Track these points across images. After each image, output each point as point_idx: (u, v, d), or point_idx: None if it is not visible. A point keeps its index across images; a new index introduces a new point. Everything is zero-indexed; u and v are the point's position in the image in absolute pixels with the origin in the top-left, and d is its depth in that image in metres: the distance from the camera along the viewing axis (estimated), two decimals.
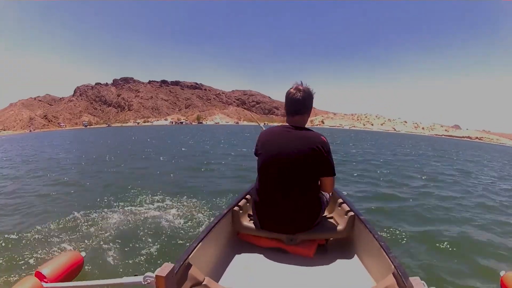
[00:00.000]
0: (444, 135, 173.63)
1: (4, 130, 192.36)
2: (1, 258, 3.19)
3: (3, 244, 3.59)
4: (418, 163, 13.77)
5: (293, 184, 1.90)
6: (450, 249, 3.61)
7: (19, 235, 3.86)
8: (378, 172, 10.22)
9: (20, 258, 3.16)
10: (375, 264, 1.73)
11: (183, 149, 17.67)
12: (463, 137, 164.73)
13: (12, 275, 2.73)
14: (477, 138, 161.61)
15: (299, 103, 1.93)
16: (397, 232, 4.12)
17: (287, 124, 2.00)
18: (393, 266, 1.45)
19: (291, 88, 1.96)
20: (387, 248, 1.61)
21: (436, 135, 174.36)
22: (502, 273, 2.27)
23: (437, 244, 3.73)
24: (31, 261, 3.07)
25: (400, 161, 14.27)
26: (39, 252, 3.30)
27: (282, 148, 1.89)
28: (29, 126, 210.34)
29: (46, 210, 5.10)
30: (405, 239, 3.89)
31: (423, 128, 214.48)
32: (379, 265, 1.66)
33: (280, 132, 1.96)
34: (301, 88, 1.94)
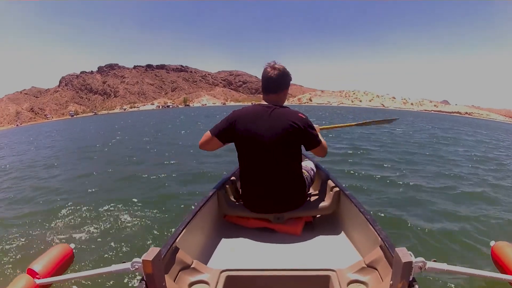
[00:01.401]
0: (434, 111, 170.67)
1: None
2: None
3: None
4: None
5: (276, 164, 1.89)
6: (439, 221, 3.52)
7: (6, 233, 3.72)
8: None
9: (10, 257, 3.08)
10: (362, 238, 1.70)
11: (159, 134, 17.17)
12: (452, 112, 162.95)
13: (4, 275, 2.71)
14: (466, 113, 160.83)
15: (274, 82, 1.92)
16: (382, 205, 3.98)
17: (264, 103, 1.96)
18: (379, 239, 1.43)
19: (266, 67, 1.94)
20: (373, 221, 1.59)
21: (425, 110, 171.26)
22: (492, 243, 2.28)
23: (425, 218, 3.61)
24: (23, 258, 2.99)
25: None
26: (29, 248, 3.22)
27: (262, 128, 1.85)
28: (16, 121, 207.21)
29: (30, 205, 4.98)
30: (390, 214, 3.75)
31: (412, 104, 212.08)
32: (366, 239, 1.63)
33: (258, 111, 1.91)
34: (276, 66, 1.91)
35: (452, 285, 2.18)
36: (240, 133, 1.90)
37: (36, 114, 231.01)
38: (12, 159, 11.61)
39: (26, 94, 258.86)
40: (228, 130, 1.93)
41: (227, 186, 2.28)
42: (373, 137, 13.85)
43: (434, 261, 1.14)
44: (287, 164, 1.93)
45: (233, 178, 2.46)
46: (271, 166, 1.90)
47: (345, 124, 3.31)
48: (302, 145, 1.98)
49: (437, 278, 2.20)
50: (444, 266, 1.16)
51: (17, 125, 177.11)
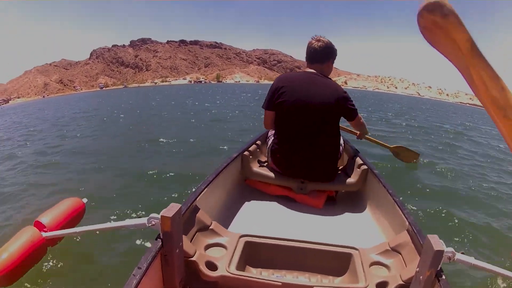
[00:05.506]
0: (469, 104, 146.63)
1: (18, 98, 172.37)
2: None
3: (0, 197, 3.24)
4: None
5: (317, 132, 1.81)
6: (467, 215, 3.06)
7: (16, 185, 3.52)
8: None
9: (18, 209, 2.85)
10: (388, 219, 1.57)
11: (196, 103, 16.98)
12: None
13: (9, 227, 2.42)
14: None
15: (320, 51, 1.84)
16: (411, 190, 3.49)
17: (310, 70, 1.88)
18: (407, 223, 1.32)
19: (311, 39, 1.88)
20: (401, 204, 1.46)
21: (460, 102, 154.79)
22: None
23: (453, 209, 3.09)
24: (30, 211, 2.69)
25: None
26: (38, 201, 2.99)
27: (310, 94, 1.77)
28: (43, 92, 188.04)
29: (44, 159, 4.79)
30: (420, 201, 3.23)
31: (447, 95, 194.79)
32: (391, 221, 1.52)
33: (307, 77, 1.84)
34: (321, 38, 1.86)
35: (474, 280, 1.98)
36: (285, 96, 1.81)
37: (65, 85, 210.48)
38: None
39: (55, 66, 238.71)
40: (275, 97, 1.85)
41: (252, 149, 2.12)
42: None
43: (462, 253, 1.05)
44: (327, 133, 1.86)
45: (258, 142, 2.30)
46: (312, 132, 1.81)
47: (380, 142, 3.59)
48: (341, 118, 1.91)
49: (460, 270, 1.99)
50: (471, 260, 1.06)
51: (43, 97, 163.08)
